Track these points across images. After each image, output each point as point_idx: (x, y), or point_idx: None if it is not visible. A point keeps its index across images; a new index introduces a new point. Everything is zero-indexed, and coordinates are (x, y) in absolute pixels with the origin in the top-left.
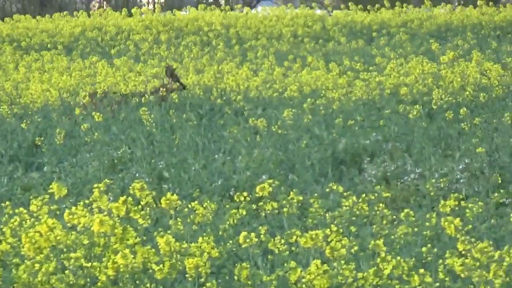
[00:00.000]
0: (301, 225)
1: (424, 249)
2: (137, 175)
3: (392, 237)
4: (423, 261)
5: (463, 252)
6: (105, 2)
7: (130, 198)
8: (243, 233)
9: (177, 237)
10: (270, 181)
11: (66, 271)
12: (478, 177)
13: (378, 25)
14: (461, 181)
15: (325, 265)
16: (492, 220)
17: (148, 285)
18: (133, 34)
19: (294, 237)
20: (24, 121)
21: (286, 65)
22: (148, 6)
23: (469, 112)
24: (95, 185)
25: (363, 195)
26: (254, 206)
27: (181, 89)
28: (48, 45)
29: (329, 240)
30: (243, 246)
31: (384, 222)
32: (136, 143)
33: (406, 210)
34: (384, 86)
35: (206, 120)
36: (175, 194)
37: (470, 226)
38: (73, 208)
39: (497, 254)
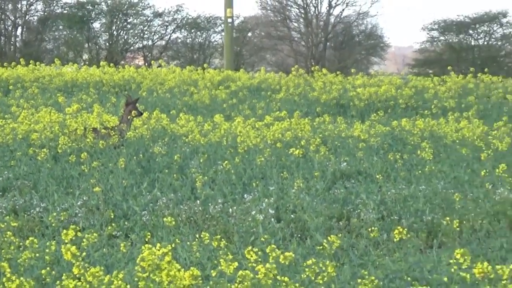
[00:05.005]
0: None
1: (44, 271)
2: None
3: (18, 260)
4: (43, 282)
5: (78, 275)
6: None
7: None
8: None
9: None
10: None
11: None
12: (94, 212)
13: (14, 79)
14: (80, 215)
15: None
16: (105, 249)
17: None
18: None
19: None
20: None
21: None
22: None
23: (89, 157)
24: None
25: None
26: None
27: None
28: None
29: None
30: None
31: (12, 247)
32: None
33: (31, 238)
34: (17, 132)
35: None
36: None
37: (85, 254)
38: None
39: (107, 278)
